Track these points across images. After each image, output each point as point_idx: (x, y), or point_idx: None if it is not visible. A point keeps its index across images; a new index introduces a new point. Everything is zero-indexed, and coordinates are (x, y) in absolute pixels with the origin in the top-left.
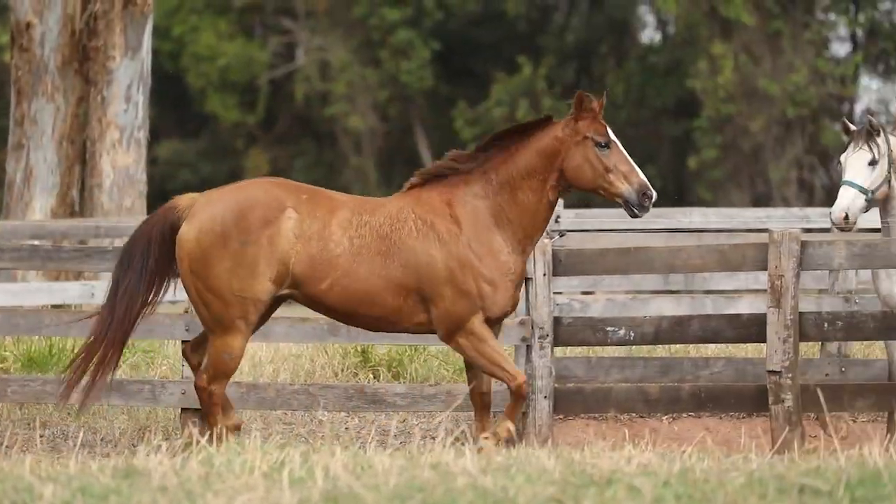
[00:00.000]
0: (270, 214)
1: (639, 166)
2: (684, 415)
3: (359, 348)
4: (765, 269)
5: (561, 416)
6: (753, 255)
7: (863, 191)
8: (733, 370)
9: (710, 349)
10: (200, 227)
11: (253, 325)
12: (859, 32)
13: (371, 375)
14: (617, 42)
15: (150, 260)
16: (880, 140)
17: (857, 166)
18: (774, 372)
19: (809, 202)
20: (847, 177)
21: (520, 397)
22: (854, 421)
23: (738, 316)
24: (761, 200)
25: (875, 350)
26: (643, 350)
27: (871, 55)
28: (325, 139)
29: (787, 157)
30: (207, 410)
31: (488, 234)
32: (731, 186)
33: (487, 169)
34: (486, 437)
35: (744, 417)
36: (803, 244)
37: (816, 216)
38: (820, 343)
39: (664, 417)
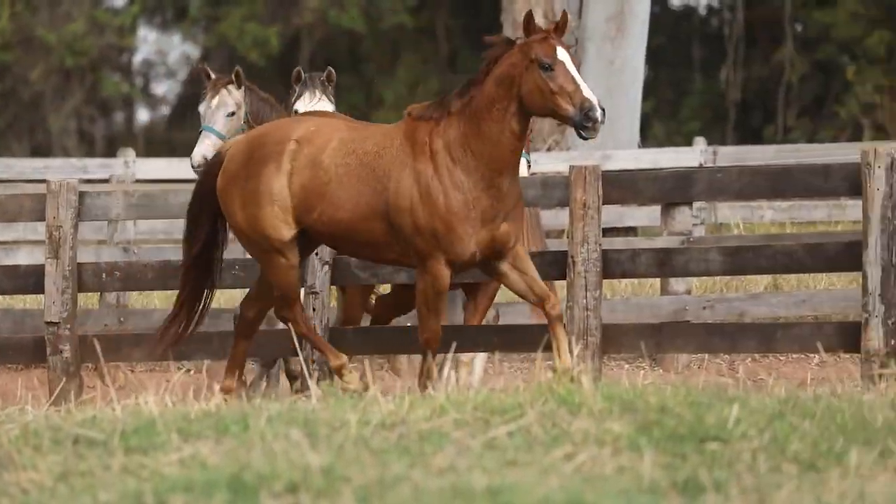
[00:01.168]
0: (275, 148)
1: None
2: None
3: None
4: (43, 219)
5: None
6: (31, 205)
7: (220, 137)
8: (11, 321)
9: None
10: (224, 167)
11: (287, 255)
12: None
13: None
14: None
15: (208, 204)
16: (236, 91)
17: (217, 115)
18: (52, 323)
19: (90, 153)
20: (206, 123)
21: (425, 349)
22: (132, 371)
23: (16, 267)
24: (41, 150)
25: (153, 300)
26: None
27: (149, 7)
28: None
29: (66, 107)
30: (299, 333)
31: (454, 168)
32: (10, 136)
33: (464, 102)
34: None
35: (22, 369)
36: (81, 195)
37: (95, 167)
38: (100, 293)
39: None
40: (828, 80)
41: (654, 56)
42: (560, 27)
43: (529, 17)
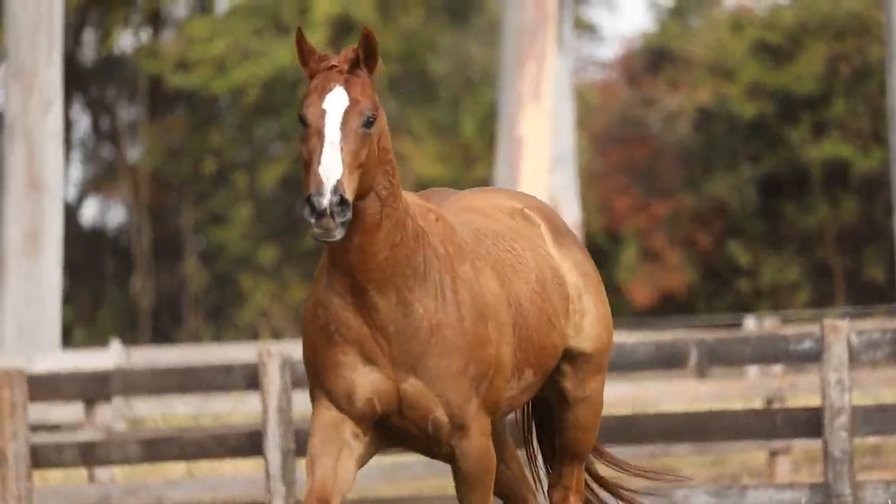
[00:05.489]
0: None
1: None
2: None
3: None
4: None
5: None
6: None
7: None
8: None
9: None
10: None
11: None
12: None
13: None
14: None
15: None
16: None
17: None
18: None
19: None
20: None
21: None
22: None
23: None
24: None
25: None
26: None
27: None
28: None
29: None
30: None
31: (330, 280)
32: None
33: None
34: None
35: None
36: None
37: None
38: None
39: None
40: (226, 289)
41: (72, 269)
42: (358, 56)
43: (300, 35)
